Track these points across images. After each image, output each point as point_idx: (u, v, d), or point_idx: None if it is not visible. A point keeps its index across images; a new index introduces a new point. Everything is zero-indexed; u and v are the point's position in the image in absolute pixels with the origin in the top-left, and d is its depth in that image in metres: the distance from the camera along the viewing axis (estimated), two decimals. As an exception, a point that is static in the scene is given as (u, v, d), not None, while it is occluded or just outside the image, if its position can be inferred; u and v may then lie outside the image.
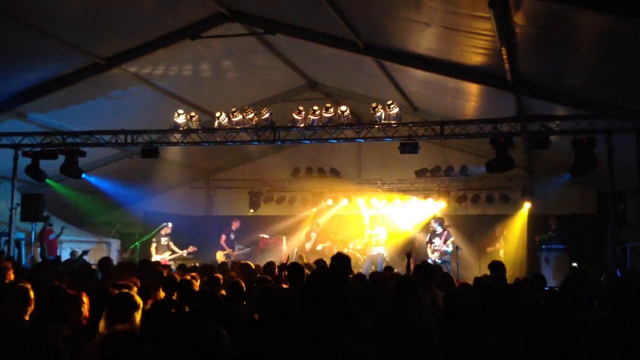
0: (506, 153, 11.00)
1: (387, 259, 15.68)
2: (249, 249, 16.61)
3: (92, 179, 15.23)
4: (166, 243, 15.67)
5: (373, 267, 14.15)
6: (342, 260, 6.83)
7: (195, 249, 15.82)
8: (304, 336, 3.46)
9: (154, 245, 15.60)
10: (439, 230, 14.46)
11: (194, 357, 2.89)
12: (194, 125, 12.48)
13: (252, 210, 18.77)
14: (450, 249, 14.11)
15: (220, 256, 15.60)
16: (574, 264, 11.79)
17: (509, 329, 4.00)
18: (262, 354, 3.57)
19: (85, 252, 10.55)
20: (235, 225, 16.45)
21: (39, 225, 14.42)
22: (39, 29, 10.11)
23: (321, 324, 3.57)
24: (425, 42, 10.60)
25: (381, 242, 14.86)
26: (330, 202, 18.51)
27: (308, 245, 15.26)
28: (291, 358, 3.34)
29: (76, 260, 9.96)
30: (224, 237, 16.17)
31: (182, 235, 16.56)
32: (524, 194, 16.80)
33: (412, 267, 14.24)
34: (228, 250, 15.83)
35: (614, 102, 10.03)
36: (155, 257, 15.27)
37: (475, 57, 10.18)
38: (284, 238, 17.79)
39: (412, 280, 6.23)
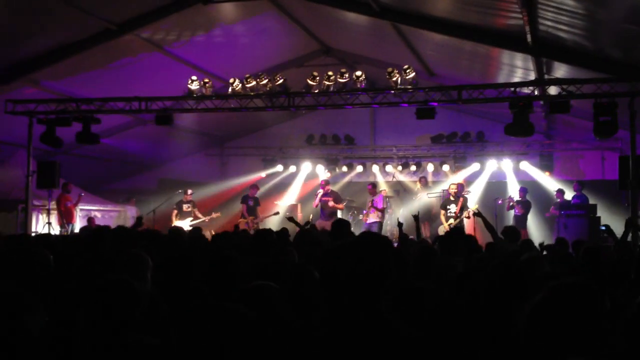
0: (526, 117, 10.76)
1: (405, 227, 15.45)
2: (276, 213, 16.39)
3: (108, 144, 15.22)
4: (189, 210, 15.62)
5: None
6: (342, 225, 7.10)
7: (219, 214, 15.74)
8: None
9: (174, 212, 15.53)
10: (456, 196, 14.13)
11: None
12: (208, 91, 12.36)
13: (263, 175, 18.73)
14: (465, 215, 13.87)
15: (242, 225, 15.38)
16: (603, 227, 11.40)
17: None
18: None
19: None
20: (252, 192, 16.24)
21: (56, 193, 14.40)
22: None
23: None
24: (442, 4, 10.36)
25: (377, 210, 14.35)
26: (344, 169, 18.41)
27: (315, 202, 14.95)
28: None
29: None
30: (244, 207, 15.97)
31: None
32: (542, 160, 16.59)
33: (423, 232, 14.14)
34: (249, 219, 15.56)
35: (636, 64, 9.76)
36: (176, 223, 15.21)
37: (493, 19, 9.93)
38: (299, 205, 17.77)
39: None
